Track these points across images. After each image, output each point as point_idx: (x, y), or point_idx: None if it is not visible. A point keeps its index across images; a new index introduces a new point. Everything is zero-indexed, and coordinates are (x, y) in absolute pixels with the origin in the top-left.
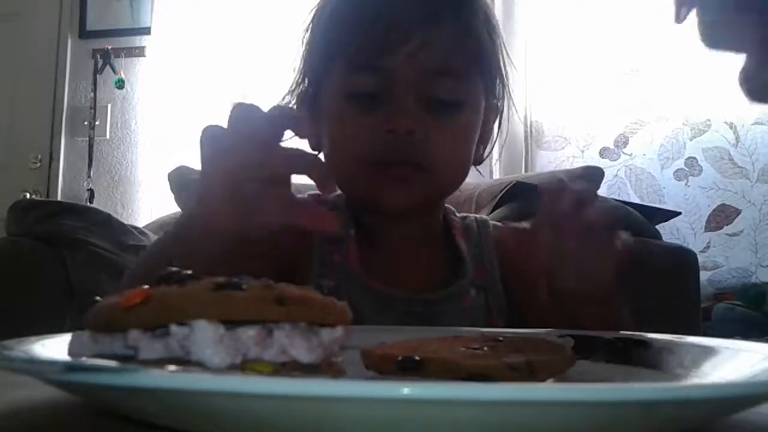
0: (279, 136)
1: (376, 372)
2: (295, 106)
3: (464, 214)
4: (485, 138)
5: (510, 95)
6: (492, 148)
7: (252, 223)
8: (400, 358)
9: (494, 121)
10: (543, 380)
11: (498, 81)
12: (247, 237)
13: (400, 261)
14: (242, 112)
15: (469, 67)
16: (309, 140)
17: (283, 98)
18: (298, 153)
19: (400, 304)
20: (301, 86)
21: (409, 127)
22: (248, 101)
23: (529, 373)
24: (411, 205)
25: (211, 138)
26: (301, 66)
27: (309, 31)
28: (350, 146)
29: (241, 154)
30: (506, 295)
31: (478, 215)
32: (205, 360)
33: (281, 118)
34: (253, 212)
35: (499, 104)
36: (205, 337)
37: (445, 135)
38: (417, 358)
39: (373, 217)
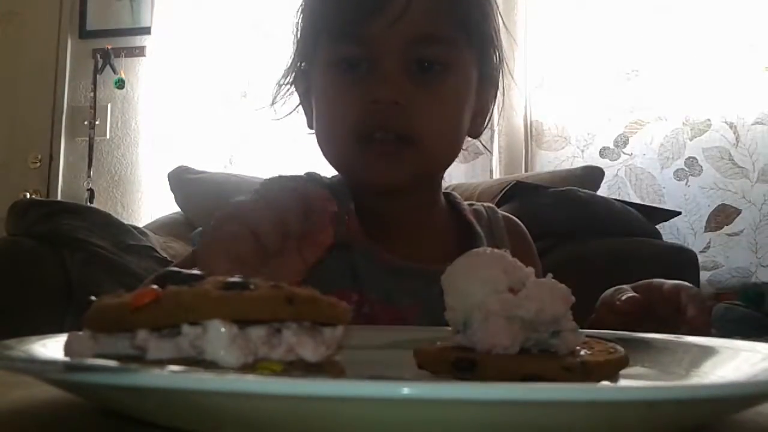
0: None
1: (429, 372)
2: (292, 88)
3: (470, 202)
4: (482, 110)
5: (507, 66)
6: (489, 121)
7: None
8: (455, 358)
9: (492, 93)
10: (597, 381)
11: (493, 51)
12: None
13: (405, 236)
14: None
15: (453, 32)
16: (307, 120)
17: (280, 80)
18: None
19: (411, 274)
20: (294, 66)
21: (392, 97)
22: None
23: (584, 374)
24: (399, 181)
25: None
26: (294, 45)
27: (301, 11)
28: (336, 118)
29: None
30: None
31: (485, 203)
32: (219, 360)
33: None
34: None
35: (495, 74)
36: (218, 336)
37: (432, 103)
38: (472, 358)
39: (362, 194)
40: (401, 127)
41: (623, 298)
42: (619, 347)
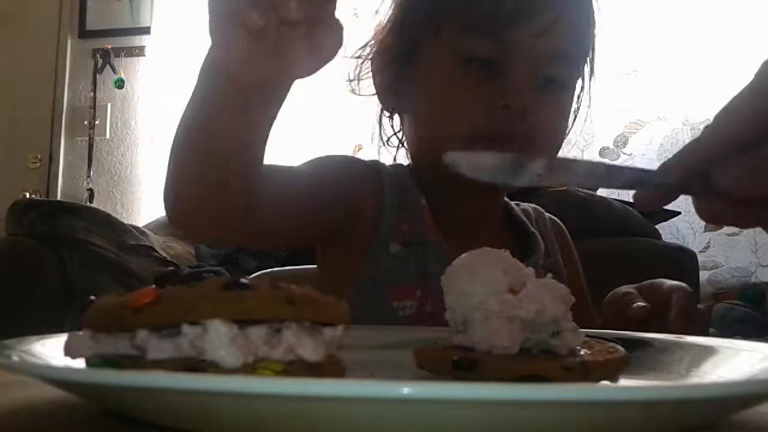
0: None
1: (429, 372)
2: (372, 63)
3: (516, 202)
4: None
5: (593, 75)
6: (570, 129)
7: (275, 70)
8: (456, 358)
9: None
10: (597, 381)
11: (588, 62)
12: (269, 83)
13: (471, 234)
14: None
15: (582, 50)
16: (384, 102)
17: (360, 48)
18: None
19: None
20: (387, 38)
21: (525, 105)
22: None
23: (584, 374)
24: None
25: None
26: (394, 20)
27: None
28: (457, 113)
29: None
30: None
31: (530, 204)
32: (219, 360)
33: None
34: (275, 59)
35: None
36: (219, 336)
37: (550, 118)
38: (472, 358)
39: (449, 190)
40: (523, 136)
41: (635, 306)
42: (619, 347)
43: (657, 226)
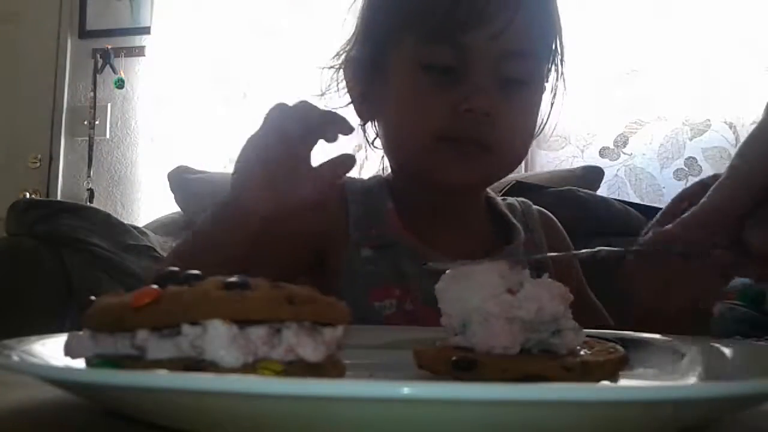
0: (316, 139)
1: (429, 372)
2: (344, 73)
3: (503, 196)
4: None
5: (563, 72)
6: (542, 127)
7: (285, 201)
8: (455, 358)
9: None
10: (597, 381)
11: (555, 58)
12: (278, 215)
13: (447, 230)
14: (278, 114)
15: (543, 48)
16: (359, 111)
17: (331, 59)
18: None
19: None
20: (354, 50)
21: (486, 108)
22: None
23: (584, 374)
24: (471, 183)
25: (250, 140)
26: (360, 29)
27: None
28: (420, 119)
29: (274, 156)
30: None
31: (519, 198)
32: (219, 360)
33: (326, 124)
34: (286, 192)
35: (554, 82)
36: (219, 336)
37: (514, 116)
38: (472, 358)
39: (424, 191)
40: (486, 137)
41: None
42: (619, 347)
43: None
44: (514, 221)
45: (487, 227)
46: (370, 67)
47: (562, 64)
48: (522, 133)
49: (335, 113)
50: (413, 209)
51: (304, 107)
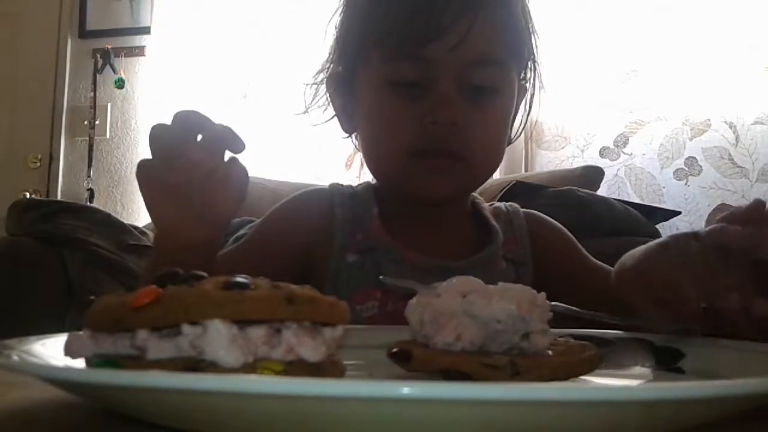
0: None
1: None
2: (326, 88)
3: (492, 202)
4: (513, 119)
5: (540, 77)
6: (521, 130)
7: (202, 218)
8: (395, 349)
9: (520, 102)
10: (534, 380)
11: (529, 64)
12: (208, 236)
13: (428, 236)
14: (158, 132)
15: (508, 55)
16: (341, 124)
17: (314, 77)
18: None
19: (433, 271)
20: (332, 69)
21: (452, 118)
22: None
23: (515, 373)
24: (448, 194)
25: (141, 165)
26: (334, 49)
27: (343, 13)
28: (390, 135)
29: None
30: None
31: (508, 203)
32: (219, 360)
33: (219, 141)
34: (197, 208)
35: (527, 85)
36: (219, 336)
37: (484, 123)
38: (408, 350)
39: (404, 201)
40: (457, 147)
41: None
42: (592, 347)
43: (657, 226)
44: (494, 223)
45: (469, 230)
46: (346, 84)
47: (536, 66)
48: (494, 139)
49: (229, 129)
50: (396, 214)
51: (179, 116)
